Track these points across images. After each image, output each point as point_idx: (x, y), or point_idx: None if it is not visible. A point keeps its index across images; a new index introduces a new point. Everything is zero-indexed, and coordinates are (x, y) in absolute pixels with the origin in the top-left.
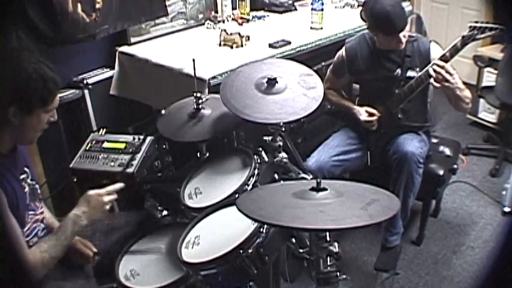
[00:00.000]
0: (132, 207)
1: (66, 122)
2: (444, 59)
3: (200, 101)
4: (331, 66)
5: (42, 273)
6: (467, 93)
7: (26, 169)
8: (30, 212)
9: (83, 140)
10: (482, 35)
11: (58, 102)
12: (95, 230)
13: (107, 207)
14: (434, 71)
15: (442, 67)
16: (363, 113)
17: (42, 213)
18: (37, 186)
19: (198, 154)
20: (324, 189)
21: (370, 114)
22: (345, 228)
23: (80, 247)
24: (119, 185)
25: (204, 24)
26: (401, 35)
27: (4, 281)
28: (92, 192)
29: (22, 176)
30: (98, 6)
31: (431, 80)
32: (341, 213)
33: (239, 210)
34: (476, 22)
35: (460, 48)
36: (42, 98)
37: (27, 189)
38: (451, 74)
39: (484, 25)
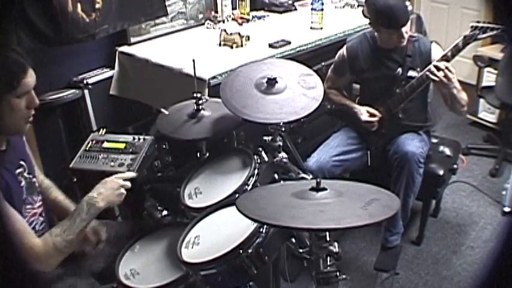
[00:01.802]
0: (133, 207)
1: (66, 122)
2: (445, 58)
3: (200, 101)
4: (332, 66)
5: (57, 259)
6: (463, 95)
7: (22, 162)
8: (28, 206)
9: (83, 140)
10: (484, 35)
11: (31, 85)
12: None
13: (123, 190)
14: (432, 73)
15: (441, 69)
16: (364, 112)
17: (40, 206)
18: (34, 179)
19: (198, 154)
20: (324, 189)
21: (371, 115)
22: (345, 228)
23: (87, 232)
24: (130, 174)
25: (204, 24)
26: (403, 30)
27: (8, 270)
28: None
29: (18, 170)
30: (97, 6)
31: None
32: (341, 213)
33: (239, 210)
34: (478, 22)
35: (461, 47)
36: (7, 83)
37: (23, 183)
38: (451, 74)
39: (485, 25)
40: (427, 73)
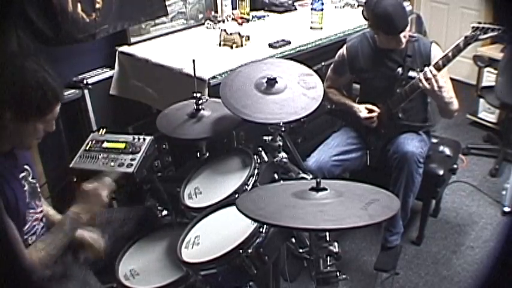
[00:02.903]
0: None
1: (66, 122)
2: (443, 61)
3: (200, 101)
4: (332, 65)
5: (41, 272)
6: (452, 107)
7: (26, 167)
8: (31, 211)
9: (83, 140)
10: (485, 36)
11: (57, 113)
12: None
13: (106, 199)
14: (420, 80)
15: (428, 78)
16: (362, 110)
17: (42, 211)
18: (37, 184)
19: (198, 154)
20: (324, 189)
21: (370, 111)
22: (345, 228)
23: (89, 241)
24: (108, 180)
25: (204, 24)
26: (401, 35)
27: (4, 282)
28: (88, 186)
29: (22, 175)
30: (97, 6)
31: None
32: (341, 213)
33: (239, 210)
34: (479, 23)
35: (462, 48)
36: (39, 108)
37: (27, 187)
38: (439, 87)
39: (486, 25)
40: (421, 75)
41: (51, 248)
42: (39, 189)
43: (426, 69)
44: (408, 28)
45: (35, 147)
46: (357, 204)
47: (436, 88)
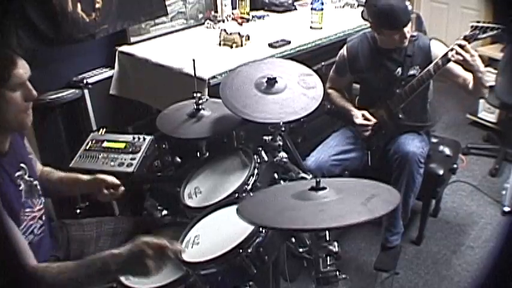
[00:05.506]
0: (132, 207)
1: (66, 122)
2: (446, 59)
3: (200, 101)
4: (333, 66)
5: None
6: (485, 77)
7: (22, 165)
8: (27, 209)
9: (83, 140)
10: (484, 35)
11: (24, 76)
12: (100, 233)
13: (153, 270)
14: (457, 52)
15: (463, 46)
16: (359, 116)
17: (40, 210)
18: (35, 183)
19: (198, 154)
20: (323, 188)
21: (366, 119)
22: (346, 226)
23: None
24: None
25: (203, 24)
26: (405, 30)
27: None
28: (147, 244)
29: (18, 173)
30: (97, 6)
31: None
32: (341, 210)
33: (241, 217)
34: (478, 22)
35: None
36: None
37: (22, 186)
38: (471, 55)
39: (485, 25)
40: (452, 54)
41: (74, 276)
42: (38, 187)
43: (458, 41)
44: (410, 27)
45: (35, 148)
46: (356, 200)
47: (468, 58)
